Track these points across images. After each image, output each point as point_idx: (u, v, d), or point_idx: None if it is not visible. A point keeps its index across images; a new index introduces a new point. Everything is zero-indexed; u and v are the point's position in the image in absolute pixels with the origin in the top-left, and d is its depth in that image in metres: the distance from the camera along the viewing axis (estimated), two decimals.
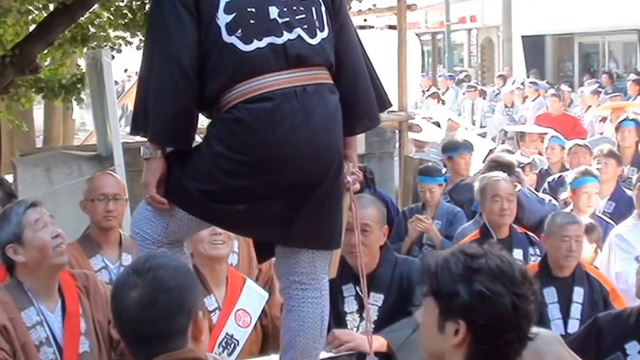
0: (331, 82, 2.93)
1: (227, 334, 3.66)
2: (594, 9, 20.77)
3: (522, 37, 24.30)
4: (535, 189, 6.39)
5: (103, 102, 5.90)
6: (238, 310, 3.71)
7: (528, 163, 6.88)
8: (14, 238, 3.15)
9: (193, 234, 3.27)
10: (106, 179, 4.20)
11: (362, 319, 3.59)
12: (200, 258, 3.70)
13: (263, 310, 3.79)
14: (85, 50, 7.22)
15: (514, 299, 1.98)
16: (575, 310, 4.30)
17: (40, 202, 3.33)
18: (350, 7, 7.52)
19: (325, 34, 2.91)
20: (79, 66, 8.32)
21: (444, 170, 6.48)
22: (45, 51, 6.90)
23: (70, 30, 6.72)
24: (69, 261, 3.37)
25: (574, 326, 4.25)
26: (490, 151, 8.32)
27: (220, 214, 2.89)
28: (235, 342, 3.66)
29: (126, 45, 7.44)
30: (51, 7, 6.63)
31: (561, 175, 6.61)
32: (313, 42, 2.87)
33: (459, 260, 2.02)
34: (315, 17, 2.89)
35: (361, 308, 3.56)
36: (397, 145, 7.94)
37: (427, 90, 16.44)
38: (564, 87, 15.81)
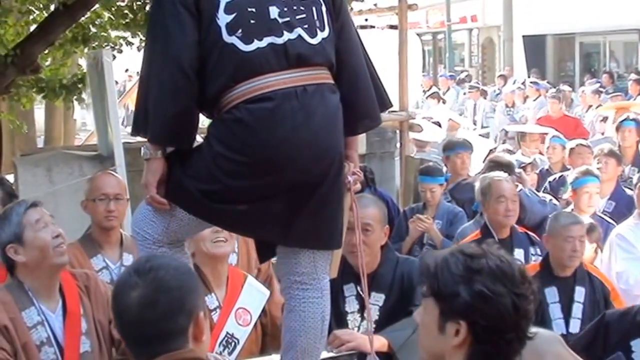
0: (332, 81, 2.92)
1: (227, 333, 3.66)
2: (595, 9, 20.76)
3: (523, 36, 24.29)
4: (536, 189, 6.39)
5: (104, 102, 5.90)
6: (238, 308, 3.71)
7: (529, 163, 6.89)
8: (15, 238, 3.15)
9: (194, 234, 3.27)
10: (107, 179, 4.20)
11: (363, 318, 3.59)
12: (202, 257, 3.70)
13: (263, 308, 3.79)
14: (86, 50, 7.23)
15: (514, 298, 1.98)
16: (577, 309, 4.30)
17: (40, 202, 3.33)
18: (351, 9, 7.52)
19: (325, 33, 2.91)
20: (80, 66, 8.35)
21: (444, 170, 6.48)
22: (46, 51, 6.91)
23: (71, 30, 6.72)
24: (70, 261, 3.38)
25: (575, 326, 4.25)
26: (491, 151, 8.33)
27: (220, 214, 2.89)
28: (236, 341, 3.66)
29: (127, 45, 7.45)
30: (52, 7, 6.63)
31: (562, 175, 6.62)
32: (313, 41, 2.86)
33: (459, 261, 2.02)
34: (315, 17, 2.89)
35: (362, 308, 3.56)
36: (398, 145, 7.95)
37: (428, 90, 16.44)
38: (565, 87, 15.80)
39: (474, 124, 14.87)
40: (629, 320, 3.66)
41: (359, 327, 3.60)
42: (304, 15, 2.87)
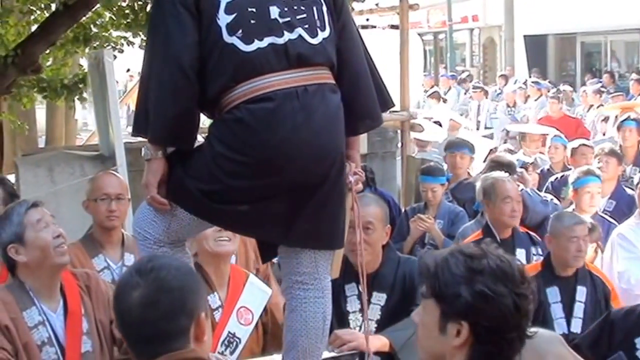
0: (333, 81, 2.92)
1: (229, 332, 3.65)
2: (596, 9, 20.75)
3: (524, 36, 24.28)
4: (538, 189, 6.39)
5: (105, 102, 5.90)
6: (240, 308, 3.71)
7: (531, 163, 6.88)
8: (16, 238, 3.15)
9: (195, 234, 3.27)
10: (109, 179, 4.20)
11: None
12: (204, 256, 3.69)
13: (264, 307, 3.79)
14: (87, 50, 7.25)
15: (515, 298, 1.98)
16: (578, 309, 4.30)
17: (41, 202, 3.33)
18: (353, 9, 7.52)
19: (326, 33, 2.90)
20: (81, 66, 8.35)
21: (445, 169, 6.48)
22: (48, 51, 6.92)
23: (73, 30, 6.74)
24: (71, 261, 3.38)
25: (577, 325, 4.26)
26: (491, 151, 8.34)
27: (221, 214, 2.89)
28: (237, 340, 3.66)
29: (128, 45, 7.46)
30: (53, 7, 6.64)
31: (564, 175, 6.62)
32: (314, 41, 2.86)
33: (459, 261, 2.02)
34: (316, 17, 2.89)
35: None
36: (399, 144, 7.95)
37: (429, 90, 16.43)
38: (566, 87, 15.79)
39: (478, 124, 14.86)
40: (634, 318, 3.67)
41: (360, 327, 3.59)
42: (304, 15, 2.86)
